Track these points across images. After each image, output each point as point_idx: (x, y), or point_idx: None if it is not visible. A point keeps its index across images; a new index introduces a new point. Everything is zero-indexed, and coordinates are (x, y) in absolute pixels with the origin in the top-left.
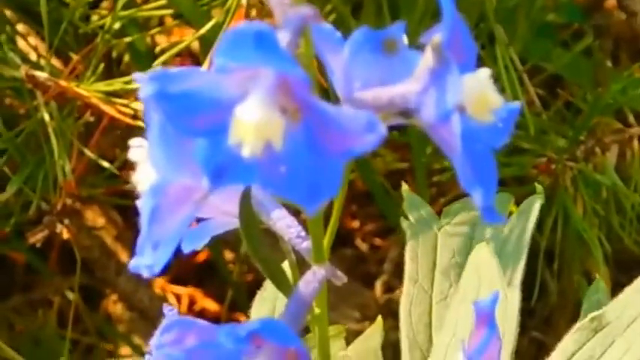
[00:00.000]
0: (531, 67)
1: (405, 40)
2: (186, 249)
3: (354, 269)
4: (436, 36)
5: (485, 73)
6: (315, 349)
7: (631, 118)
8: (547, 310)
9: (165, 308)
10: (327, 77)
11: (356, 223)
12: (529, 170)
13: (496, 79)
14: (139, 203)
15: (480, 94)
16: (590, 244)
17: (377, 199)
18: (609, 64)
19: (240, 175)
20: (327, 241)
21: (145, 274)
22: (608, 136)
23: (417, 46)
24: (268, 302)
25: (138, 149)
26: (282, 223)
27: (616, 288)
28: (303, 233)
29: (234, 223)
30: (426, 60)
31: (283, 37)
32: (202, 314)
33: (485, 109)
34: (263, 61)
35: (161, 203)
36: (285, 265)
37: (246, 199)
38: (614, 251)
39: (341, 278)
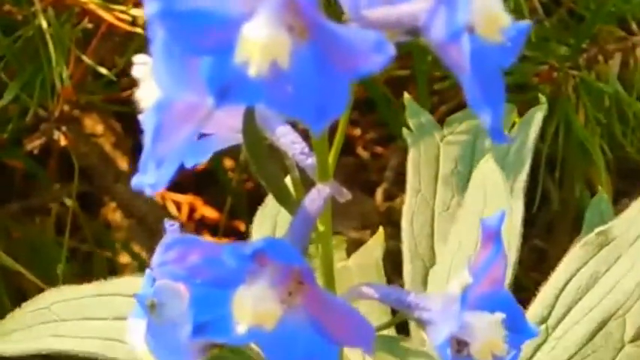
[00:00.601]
0: None
1: None
2: (189, 164)
3: (355, 177)
4: None
5: None
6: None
7: (634, 26)
8: (548, 218)
9: (167, 223)
10: None
11: (357, 131)
12: (531, 78)
13: None
14: (141, 118)
15: (489, 14)
16: (592, 152)
17: (378, 106)
18: None
19: (246, 95)
20: (332, 158)
21: (148, 192)
22: (611, 44)
23: None
24: (269, 218)
25: (141, 66)
26: (287, 139)
27: (618, 196)
28: (307, 150)
29: (237, 138)
30: None
31: None
32: (202, 222)
33: (495, 28)
34: None
35: (165, 121)
36: (288, 181)
37: (250, 115)
38: (616, 159)
39: (345, 195)
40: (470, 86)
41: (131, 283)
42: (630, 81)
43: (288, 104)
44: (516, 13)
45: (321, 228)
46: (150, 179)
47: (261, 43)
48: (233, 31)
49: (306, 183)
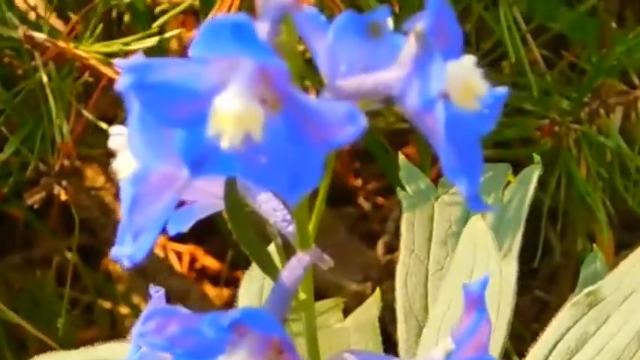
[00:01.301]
0: (535, 27)
1: (391, 24)
2: (172, 232)
3: (356, 227)
4: (419, 23)
5: (469, 59)
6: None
7: (635, 80)
8: (550, 269)
9: (152, 289)
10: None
11: (358, 181)
12: (532, 132)
13: (499, 40)
14: (120, 190)
15: (464, 81)
16: (594, 206)
17: (378, 159)
18: (614, 24)
19: (219, 166)
20: (312, 226)
21: (126, 263)
22: (613, 97)
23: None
24: (256, 281)
25: (117, 137)
26: (268, 206)
27: (619, 250)
28: (288, 217)
29: (220, 205)
30: (410, 47)
31: (262, 27)
32: (203, 272)
33: (470, 96)
34: (240, 52)
35: (142, 192)
36: (272, 248)
37: (230, 183)
38: (617, 213)
39: (327, 263)
40: (445, 154)
41: (118, 349)
42: (632, 134)
43: (262, 176)
44: (518, 67)
45: (302, 296)
46: (127, 250)
47: (233, 115)
48: (205, 103)
49: (291, 249)
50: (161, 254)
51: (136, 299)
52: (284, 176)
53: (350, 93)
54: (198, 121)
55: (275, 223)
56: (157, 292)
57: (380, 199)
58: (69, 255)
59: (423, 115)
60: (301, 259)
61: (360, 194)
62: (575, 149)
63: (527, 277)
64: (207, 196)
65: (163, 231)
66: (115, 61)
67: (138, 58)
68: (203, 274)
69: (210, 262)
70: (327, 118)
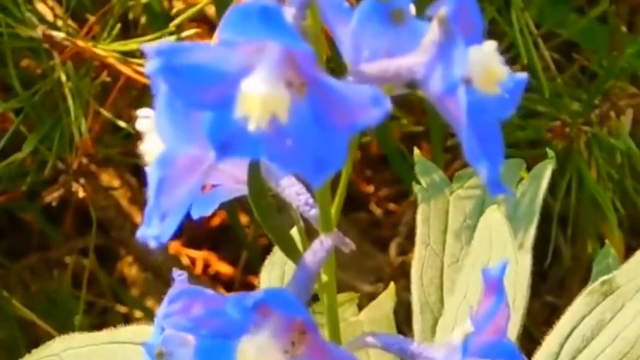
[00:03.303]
0: (547, 31)
1: (413, 10)
2: (195, 215)
3: (368, 233)
4: (442, 9)
5: (491, 45)
6: (324, 316)
7: None
8: (560, 274)
9: (175, 273)
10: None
11: (370, 188)
12: (544, 134)
13: (511, 43)
14: (147, 173)
15: (486, 67)
16: (604, 208)
17: (392, 163)
18: (624, 29)
19: (246, 149)
20: (334, 209)
21: (152, 244)
22: (623, 100)
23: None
24: (277, 267)
25: (145, 120)
26: (291, 190)
27: (629, 252)
28: (311, 201)
29: (243, 189)
30: (433, 32)
31: (288, 11)
32: (217, 277)
33: (492, 81)
34: (268, 36)
35: (168, 174)
36: (295, 232)
37: (254, 167)
38: (627, 216)
39: (349, 245)
40: (467, 139)
41: (141, 332)
42: None
43: (287, 158)
44: (529, 70)
45: (324, 278)
46: (154, 231)
47: (260, 98)
48: (233, 86)
49: (314, 233)
50: (176, 257)
51: (150, 302)
52: (309, 159)
53: (374, 77)
54: (226, 103)
55: (298, 207)
56: (179, 275)
57: (392, 206)
58: (85, 258)
59: (445, 99)
60: (324, 242)
61: (372, 200)
62: (586, 151)
63: (537, 281)
64: (231, 180)
65: (177, 236)
66: (142, 46)
67: (165, 42)
68: (217, 279)
69: (224, 268)
70: (351, 100)
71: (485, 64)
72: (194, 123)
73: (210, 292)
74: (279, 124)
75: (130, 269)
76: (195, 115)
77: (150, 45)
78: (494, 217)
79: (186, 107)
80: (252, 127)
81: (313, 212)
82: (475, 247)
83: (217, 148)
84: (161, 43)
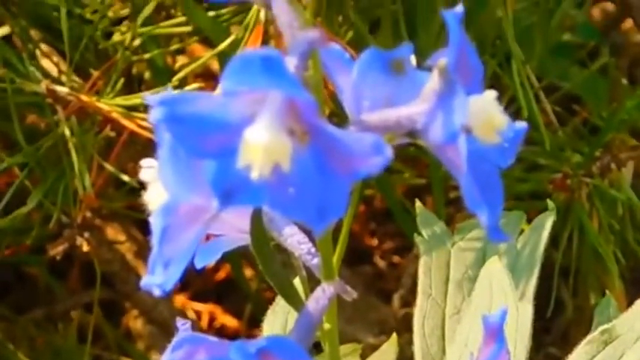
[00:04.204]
0: (548, 85)
1: (414, 60)
2: (199, 265)
3: (372, 286)
4: (442, 58)
5: (491, 94)
6: None
7: None
8: (563, 325)
9: (179, 322)
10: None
11: (374, 241)
12: (545, 186)
13: (513, 96)
14: (150, 222)
15: (486, 116)
16: (606, 259)
17: (395, 216)
18: (625, 82)
19: (249, 197)
20: (336, 258)
21: (157, 292)
22: (624, 152)
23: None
24: (280, 316)
25: (149, 169)
26: (293, 239)
27: (631, 303)
28: (313, 250)
29: (246, 239)
30: (433, 82)
31: (291, 61)
32: (222, 330)
33: (492, 129)
34: (270, 85)
35: (172, 222)
36: (297, 282)
37: (257, 216)
38: (629, 267)
39: (350, 294)
40: (467, 186)
41: None
42: None
43: (290, 206)
44: (531, 123)
45: (327, 326)
46: (158, 280)
47: (262, 146)
48: (236, 135)
49: (316, 284)
50: (181, 311)
51: (155, 357)
52: (311, 206)
53: (375, 126)
54: (229, 152)
55: (300, 256)
56: (183, 324)
57: (395, 258)
58: (90, 310)
59: (445, 147)
60: (326, 289)
61: (377, 253)
62: (588, 203)
63: (540, 333)
64: (234, 230)
65: (183, 289)
66: (146, 96)
67: (168, 92)
68: (222, 332)
69: (229, 321)
70: (353, 149)
71: (485, 112)
72: (197, 172)
73: (213, 339)
74: (282, 172)
75: (135, 323)
76: (198, 164)
77: (152, 95)
78: (495, 267)
79: (189, 156)
80: (254, 175)
81: (315, 261)
82: (476, 297)
83: (220, 197)
84: (164, 93)
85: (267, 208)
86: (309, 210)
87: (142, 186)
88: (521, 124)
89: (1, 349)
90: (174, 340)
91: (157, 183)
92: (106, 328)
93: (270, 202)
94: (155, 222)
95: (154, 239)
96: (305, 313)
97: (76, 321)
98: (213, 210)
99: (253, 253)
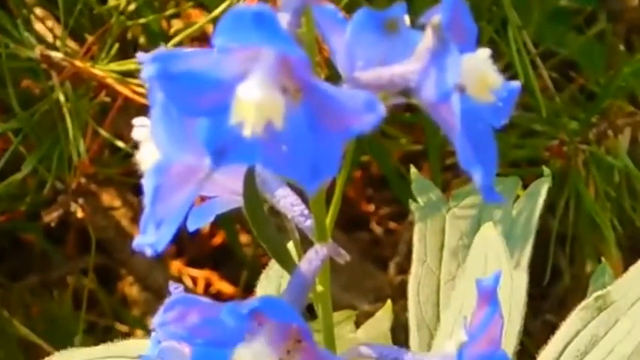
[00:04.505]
0: (544, 51)
1: (407, 20)
2: (191, 227)
3: (368, 252)
4: (436, 16)
5: (484, 53)
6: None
7: None
8: (560, 293)
9: (172, 286)
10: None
11: (371, 207)
12: (541, 153)
13: (510, 62)
14: (143, 181)
15: (479, 74)
16: (602, 226)
17: (391, 183)
18: (622, 48)
19: (241, 155)
20: (329, 219)
21: (149, 252)
22: (621, 119)
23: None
24: (273, 280)
25: (141, 128)
26: (286, 201)
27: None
28: (306, 212)
29: (239, 201)
30: (426, 40)
31: (283, 18)
32: (218, 297)
33: (485, 88)
34: (263, 41)
35: (164, 182)
36: (291, 246)
37: (250, 178)
38: (626, 234)
39: (344, 256)
40: (461, 145)
41: (138, 345)
42: None
43: (282, 164)
44: (527, 89)
45: (319, 288)
46: (150, 239)
47: (255, 103)
48: (228, 93)
49: (309, 244)
50: (177, 277)
51: (151, 323)
52: (304, 164)
53: (368, 84)
54: (221, 110)
55: (293, 218)
56: (176, 288)
57: (392, 224)
58: (85, 277)
59: (439, 106)
60: (319, 251)
61: (373, 219)
62: (584, 170)
63: (537, 300)
64: (227, 191)
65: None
66: (138, 55)
67: (161, 49)
68: (218, 298)
69: (225, 287)
70: (346, 106)
71: (478, 71)
72: (190, 131)
73: (205, 300)
74: (274, 129)
75: (130, 289)
76: (191, 122)
77: (145, 54)
78: (490, 234)
79: (181, 114)
80: (247, 132)
81: (308, 223)
82: (470, 263)
83: (213, 155)
84: (157, 50)
85: (260, 169)
86: (301, 168)
87: (137, 152)
88: (515, 84)
89: None
90: (167, 301)
91: (150, 142)
92: (102, 294)
93: (263, 160)
94: (147, 181)
95: (146, 199)
96: (297, 274)
97: (71, 287)
98: (206, 169)
99: (246, 215)
